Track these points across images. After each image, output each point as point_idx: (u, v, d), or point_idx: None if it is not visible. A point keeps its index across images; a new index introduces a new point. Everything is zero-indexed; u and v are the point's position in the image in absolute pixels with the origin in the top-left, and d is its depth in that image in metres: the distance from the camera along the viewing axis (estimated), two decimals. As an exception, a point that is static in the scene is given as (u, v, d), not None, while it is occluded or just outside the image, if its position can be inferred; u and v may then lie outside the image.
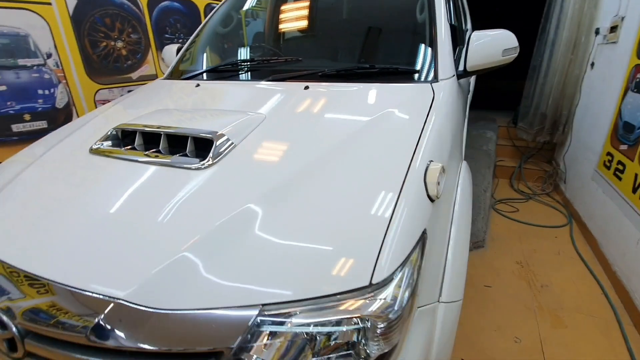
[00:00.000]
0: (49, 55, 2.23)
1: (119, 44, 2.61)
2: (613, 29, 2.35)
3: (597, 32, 2.61)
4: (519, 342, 1.63)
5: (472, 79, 2.86)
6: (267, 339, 0.62)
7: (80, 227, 0.79)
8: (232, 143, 0.96)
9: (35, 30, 2.13)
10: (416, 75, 1.27)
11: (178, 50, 1.85)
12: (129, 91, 2.58)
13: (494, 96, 4.90)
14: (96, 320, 0.64)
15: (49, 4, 2.18)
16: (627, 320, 1.71)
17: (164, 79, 1.71)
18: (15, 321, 0.70)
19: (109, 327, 0.63)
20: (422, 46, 1.37)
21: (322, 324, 0.63)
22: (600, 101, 2.44)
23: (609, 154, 2.18)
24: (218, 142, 0.94)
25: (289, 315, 0.63)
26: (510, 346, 1.60)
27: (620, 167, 2.00)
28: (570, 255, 2.26)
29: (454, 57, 1.41)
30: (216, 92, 1.40)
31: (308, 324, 0.62)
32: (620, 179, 1.99)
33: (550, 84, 2.95)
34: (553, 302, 1.86)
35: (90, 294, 0.67)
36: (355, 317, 0.63)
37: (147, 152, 0.99)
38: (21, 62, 2.11)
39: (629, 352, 1.55)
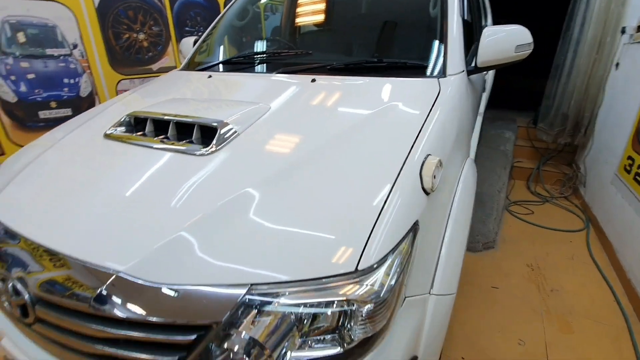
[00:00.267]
0: (75, 46, 2.34)
1: (141, 36, 2.70)
2: (641, 27, 2.25)
3: (623, 31, 2.50)
4: (522, 345, 1.60)
5: (489, 77, 2.80)
6: (255, 317, 0.65)
7: (91, 206, 0.84)
8: (236, 131, 0.99)
9: (63, 22, 2.23)
10: (423, 70, 1.27)
11: (194, 43, 1.90)
12: (149, 82, 2.66)
13: (515, 96, 4.77)
14: (98, 291, 0.68)
15: (76, -4, 2.28)
16: (638, 329, 1.66)
17: (180, 70, 1.76)
18: (28, 289, 0.76)
19: (109, 297, 0.67)
20: (432, 41, 1.35)
21: (309, 306, 0.65)
22: (624, 103, 2.34)
23: (629, 157, 2.09)
24: (222, 130, 0.97)
25: (276, 295, 0.65)
26: (513, 348, 1.58)
27: (641, 171, 1.92)
28: (585, 260, 2.19)
29: (465, 53, 1.40)
30: (226, 83, 1.43)
31: (294, 305, 0.65)
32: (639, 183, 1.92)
33: (573, 84, 2.84)
34: (562, 306, 1.82)
35: (94, 267, 0.71)
36: (340, 301, 0.65)
37: (156, 138, 1.04)
38: (49, 51, 2.23)
39: (638, 361, 1.51)
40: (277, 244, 0.70)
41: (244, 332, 0.63)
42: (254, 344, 0.63)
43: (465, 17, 1.57)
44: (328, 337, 0.68)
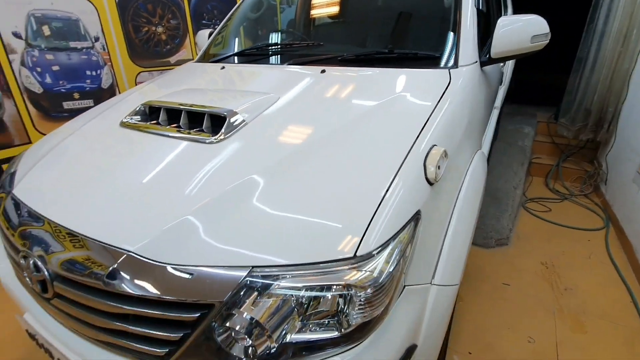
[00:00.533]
0: (97, 39, 2.41)
1: (159, 29, 2.76)
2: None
3: (652, 22, 2.39)
4: (532, 343, 1.58)
5: (508, 70, 2.73)
6: (256, 299, 0.67)
7: (107, 190, 0.88)
8: (244, 120, 1.01)
9: (85, 15, 2.31)
10: (434, 61, 1.26)
11: (210, 35, 1.94)
12: (167, 74, 2.72)
13: (536, 90, 4.63)
14: (110, 268, 0.72)
15: (98, -10, 2.35)
16: (655, 331, 1.61)
17: (195, 62, 1.80)
18: (47, 266, 0.80)
19: (120, 275, 0.71)
20: (444, 31, 1.34)
21: (308, 289, 0.67)
22: (651, 97, 2.24)
23: (654, 154, 2.01)
24: (231, 119, 1.00)
25: (276, 278, 0.67)
26: (522, 346, 1.56)
27: (665, 168, 1.84)
28: (602, 259, 2.13)
29: (482, 44, 1.37)
30: (238, 74, 1.46)
31: (294, 288, 0.67)
32: (664, 181, 1.84)
33: (596, 78, 2.74)
34: (576, 306, 1.78)
35: (108, 246, 0.75)
36: (338, 285, 0.67)
37: (168, 127, 1.08)
38: (72, 44, 2.31)
39: (653, 364, 1.47)
40: (279, 228, 0.72)
41: (245, 313, 0.66)
42: (255, 325, 0.66)
43: (482, 8, 1.54)
44: (327, 321, 0.70)
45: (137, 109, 1.19)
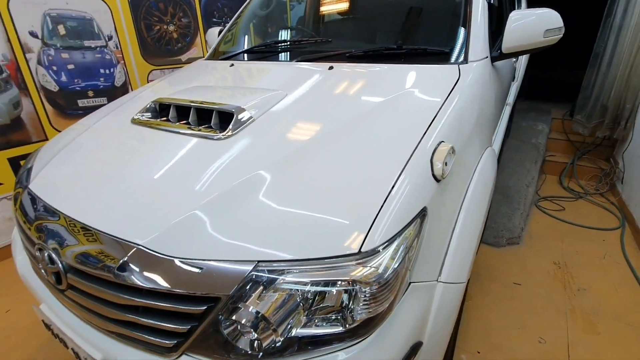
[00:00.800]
0: (110, 38, 2.46)
1: (171, 28, 2.80)
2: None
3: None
4: (543, 343, 1.56)
5: (521, 65, 2.68)
6: (262, 293, 0.68)
7: (119, 185, 0.90)
8: (252, 117, 1.02)
9: (99, 14, 2.35)
10: (444, 57, 1.24)
11: (219, 33, 1.95)
12: (178, 72, 2.75)
13: (551, 86, 4.53)
14: (121, 261, 0.74)
15: (111, -11, 2.39)
16: (672, 334, 1.57)
17: (205, 59, 1.82)
18: (61, 258, 0.83)
19: (130, 267, 0.73)
20: (454, 27, 1.32)
21: (313, 284, 0.68)
22: (671, 93, 2.17)
23: (674, 152, 1.95)
24: (239, 116, 1.01)
25: (282, 272, 0.68)
26: (533, 346, 1.54)
27: (686, 166, 1.78)
28: (617, 260, 2.08)
29: (494, 39, 1.35)
30: (246, 72, 1.47)
31: (299, 283, 0.67)
32: (683, 180, 1.78)
33: (613, 74, 2.66)
34: (589, 306, 1.74)
35: (119, 240, 0.77)
36: (343, 281, 0.67)
37: (178, 123, 1.09)
38: (86, 43, 2.35)
39: (669, 367, 1.43)
40: (285, 224, 0.72)
41: (251, 306, 0.67)
42: (260, 318, 0.66)
43: (493, 2, 1.52)
44: (332, 316, 0.70)
45: (148, 106, 1.21)
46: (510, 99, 2.21)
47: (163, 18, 2.73)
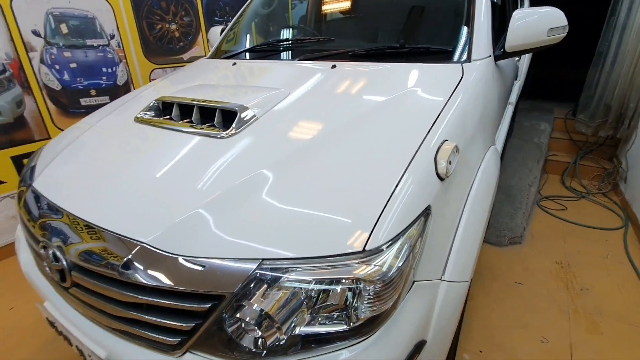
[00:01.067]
0: (112, 36, 2.46)
1: (173, 27, 2.80)
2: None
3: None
4: (545, 343, 1.55)
5: (524, 64, 2.67)
6: (266, 291, 0.68)
7: (122, 184, 0.91)
8: (255, 115, 1.02)
9: (101, 13, 2.35)
10: (447, 55, 1.24)
11: (221, 32, 1.95)
12: (180, 71, 2.75)
13: (553, 86, 4.51)
14: (125, 259, 0.74)
15: (114, -12, 2.40)
16: (675, 334, 1.56)
17: (207, 58, 1.82)
18: (65, 256, 0.83)
19: (134, 265, 0.73)
20: (457, 25, 1.32)
21: (317, 282, 0.68)
22: (675, 92, 2.16)
23: (678, 151, 1.94)
24: (242, 114, 1.01)
25: (286, 271, 0.68)
26: (535, 345, 1.54)
27: (689, 166, 1.78)
28: (621, 260, 2.07)
29: (494, 37, 1.35)
30: (249, 70, 1.47)
31: (303, 281, 0.67)
32: (687, 179, 1.77)
33: (617, 73, 2.65)
34: (592, 306, 1.74)
35: (123, 238, 0.77)
36: (347, 279, 0.67)
37: (181, 122, 1.09)
38: (89, 42, 2.35)
39: (672, 367, 1.42)
40: (288, 222, 0.72)
41: (255, 304, 0.66)
42: (264, 316, 0.66)
43: (496, 1, 1.51)
44: (336, 314, 0.70)
45: (151, 104, 1.21)
46: (513, 98, 2.21)
47: (165, 17, 2.73)
